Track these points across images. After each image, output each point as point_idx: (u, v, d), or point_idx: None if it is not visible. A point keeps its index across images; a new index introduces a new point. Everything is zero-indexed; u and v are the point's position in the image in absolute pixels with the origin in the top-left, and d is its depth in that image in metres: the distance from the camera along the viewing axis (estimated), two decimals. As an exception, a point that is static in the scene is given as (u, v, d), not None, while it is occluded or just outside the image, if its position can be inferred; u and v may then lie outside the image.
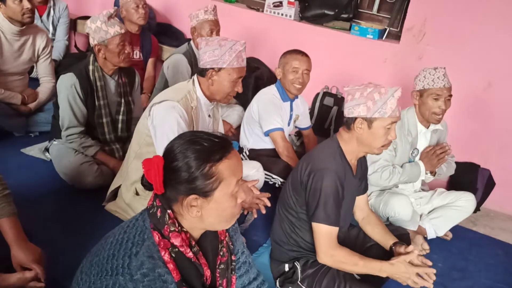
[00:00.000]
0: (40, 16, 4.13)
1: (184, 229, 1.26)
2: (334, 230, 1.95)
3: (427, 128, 2.72)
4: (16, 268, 1.76)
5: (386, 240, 2.14)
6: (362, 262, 1.93)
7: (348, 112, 1.99)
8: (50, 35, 4.17)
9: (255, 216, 2.22)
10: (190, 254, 1.25)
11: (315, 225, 1.96)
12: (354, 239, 2.23)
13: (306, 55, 2.89)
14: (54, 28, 4.25)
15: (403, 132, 2.66)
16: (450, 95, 2.58)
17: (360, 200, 2.25)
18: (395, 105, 1.90)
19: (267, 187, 2.82)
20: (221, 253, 1.38)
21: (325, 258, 1.96)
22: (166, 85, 3.20)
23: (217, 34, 3.28)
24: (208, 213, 1.25)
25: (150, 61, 3.98)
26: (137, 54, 3.82)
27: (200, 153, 1.21)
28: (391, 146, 2.61)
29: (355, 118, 1.95)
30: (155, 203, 1.27)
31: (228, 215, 1.28)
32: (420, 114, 2.66)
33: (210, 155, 1.21)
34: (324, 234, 1.94)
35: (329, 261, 1.97)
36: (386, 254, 2.11)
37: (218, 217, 1.27)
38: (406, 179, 2.67)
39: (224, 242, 1.41)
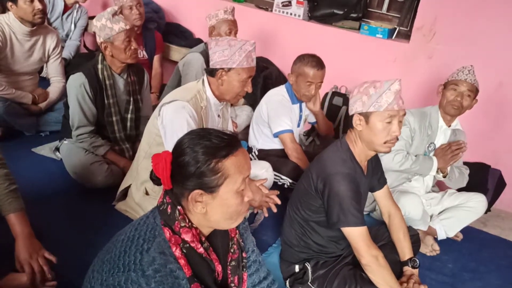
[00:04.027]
0: (62, 15, 4.22)
1: (194, 225, 1.27)
2: (365, 229, 1.94)
3: (449, 126, 2.71)
4: (16, 264, 1.76)
5: (401, 252, 2.16)
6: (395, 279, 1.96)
7: (350, 110, 1.99)
8: (68, 33, 4.28)
9: (266, 215, 2.21)
10: (201, 250, 1.26)
11: (347, 230, 1.93)
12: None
13: (321, 67, 2.81)
14: (74, 28, 4.32)
15: (424, 124, 2.65)
16: (470, 91, 2.59)
17: (380, 195, 2.23)
18: (392, 98, 1.85)
19: (276, 187, 2.81)
20: (232, 250, 1.39)
21: (368, 258, 1.91)
22: (179, 84, 3.21)
23: (235, 34, 3.29)
24: (213, 210, 1.25)
25: (156, 58, 3.99)
26: (141, 54, 3.82)
27: (207, 149, 1.22)
28: (408, 133, 2.60)
29: (354, 115, 1.95)
30: (165, 200, 1.28)
31: (234, 213, 1.28)
32: (441, 107, 2.67)
33: (217, 151, 1.22)
34: (359, 236, 1.92)
35: (372, 262, 1.91)
36: (395, 253, 2.17)
37: (223, 214, 1.27)
38: (417, 168, 2.64)
39: (235, 239, 1.41)
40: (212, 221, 1.29)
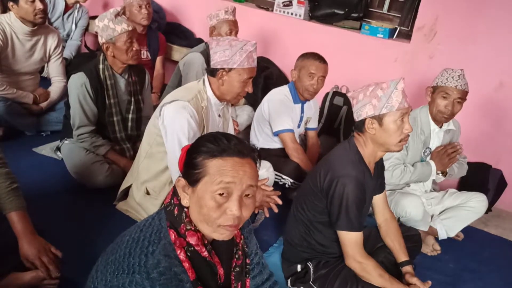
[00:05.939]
0: (63, 15, 4.23)
1: (198, 228, 1.27)
2: (359, 235, 1.97)
3: (440, 127, 2.70)
4: (24, 261, 1.76)
5: (398, 257, 2.16)
6: (387, 276, 1.96)
7: (357, 116, 1.98)
8: (69, 33, 4.30)
9: (267, 215, 2.20)
10: (206, 254, 1.25)
11: (340, 233, 1.98)
12: (365, 239, 2.21)
13: (324, 61, 2.88)
14: (75, 28, 4.33)
15: (416, 131, 2.65)
16: (461, 98, 2.55)
17: (378, 200, 2.23)
18: (401, 97, 1.88)
19: (276, 187, 2.81)
20: (237, 256, 1.38)
21: (353, 263, 1.98)
22: (180, 84, 3.21)
23: (236, 34, 3.29)
24: (192, 206, 1.25)
25: (158, 59, 3.98)
26: (144, 54, 3.81)
27: (209, 147, 1.23)
28: None
29: (365, 120, 1.94)
30: (172, 201, 1.28)
31: (206, 217, 1.22)
32: (431, 112, 2.65)
33: (212, 151, 1.22)
34: (349, 241, 1.96)
35: (356, 267, 1.98)
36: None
37: (198, 215, 1.24)
38: (417, 178, 2.65)
39: (240, 245, 1.40)
40: (197, 222, 1.25)
